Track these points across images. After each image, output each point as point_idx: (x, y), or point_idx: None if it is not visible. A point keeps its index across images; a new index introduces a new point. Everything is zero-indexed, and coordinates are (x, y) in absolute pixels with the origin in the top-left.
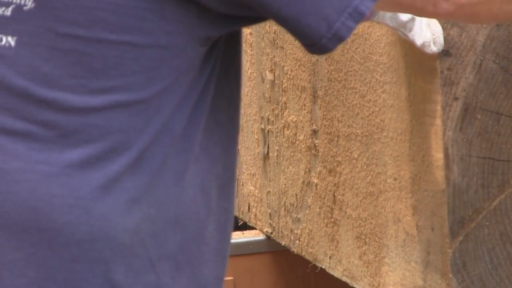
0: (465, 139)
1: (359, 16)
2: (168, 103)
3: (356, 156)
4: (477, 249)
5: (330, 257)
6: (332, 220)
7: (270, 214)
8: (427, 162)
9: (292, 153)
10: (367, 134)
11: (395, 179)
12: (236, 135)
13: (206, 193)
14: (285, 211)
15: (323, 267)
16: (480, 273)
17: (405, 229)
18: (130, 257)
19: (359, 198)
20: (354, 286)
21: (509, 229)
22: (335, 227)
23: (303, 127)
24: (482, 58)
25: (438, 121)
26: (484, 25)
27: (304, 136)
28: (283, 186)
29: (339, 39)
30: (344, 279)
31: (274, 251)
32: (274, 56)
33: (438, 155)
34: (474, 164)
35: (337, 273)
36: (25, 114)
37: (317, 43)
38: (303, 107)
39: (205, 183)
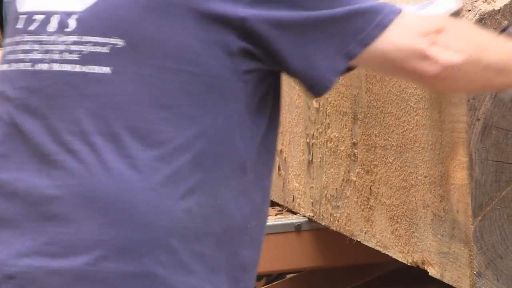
0: (484, 148)
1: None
2: (219, 122)
3: (391, 160)
4: (491, 226)
5: (365, 233)
6: (368, 206)
7: (312, 203)
8: (454, 164)
9: (333, 159)
10: (401, 145)
11: (425, 177)
12: (272, 165)
13: (249, 197)
14: (326, 200)
15: (359, 240)
16: (493, 242)
17: (433, 212)
18: (183, 228)
19: (393, 191)
20: (386, 253)
21: None
22: (371, 211)
23: (344, 140)
24: (496, 92)
25: (465, 135)
26: None
27: (345, 147)
28: (325, 182)
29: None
30: (377, 248)
31: (315, 230)
32: None
33: (464, 159)
34: (490, 165)
35: (371, 244)
36: (112, 120)
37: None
38: (344, 127)
39: (250, 192)
